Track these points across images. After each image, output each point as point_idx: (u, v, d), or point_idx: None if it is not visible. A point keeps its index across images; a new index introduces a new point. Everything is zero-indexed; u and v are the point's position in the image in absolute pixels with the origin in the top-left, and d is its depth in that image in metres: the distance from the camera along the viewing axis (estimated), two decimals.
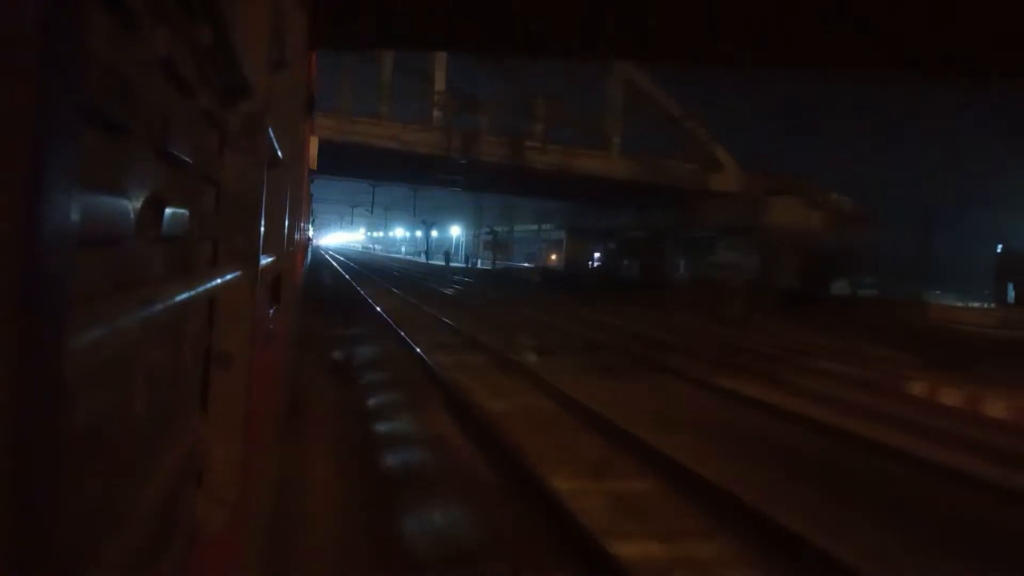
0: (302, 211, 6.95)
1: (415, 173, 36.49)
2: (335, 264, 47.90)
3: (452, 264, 59.81)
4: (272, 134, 1.76)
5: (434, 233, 78.10)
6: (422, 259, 72.45)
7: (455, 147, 29.10)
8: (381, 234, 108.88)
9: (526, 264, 58.94)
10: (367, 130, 27.99)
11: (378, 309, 17.23)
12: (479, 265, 59.89)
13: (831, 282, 29.23)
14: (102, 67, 0.70)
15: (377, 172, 40.27)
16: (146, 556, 0.93)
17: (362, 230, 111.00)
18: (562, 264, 47.48)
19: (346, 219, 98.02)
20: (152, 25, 0.88)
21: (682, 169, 31.69)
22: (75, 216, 0.53)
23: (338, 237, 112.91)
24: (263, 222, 1.64)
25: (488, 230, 61.25)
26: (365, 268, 45.82)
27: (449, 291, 29.35)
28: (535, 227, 60.54)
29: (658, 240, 36.36)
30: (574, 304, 24.52)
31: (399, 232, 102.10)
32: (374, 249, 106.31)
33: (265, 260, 1.83)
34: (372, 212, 70.82)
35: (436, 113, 29.64)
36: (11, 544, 0.46)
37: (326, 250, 79.48)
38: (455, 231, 77.61)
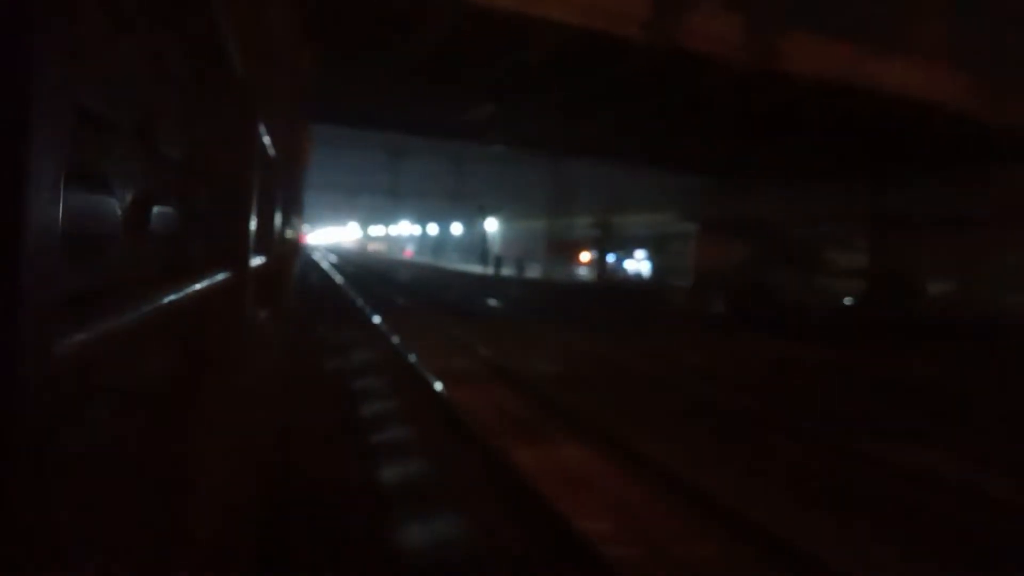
0: (295, 209, 6.93)
1: (513, 83, 13.83)
2: (343, 284, 24.69)
3: (503, 273, 36.88)
4: (264, 130, 1.75)
5: (456, 230, 57.00)
6: (448, 264, 48.40)
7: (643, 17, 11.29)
8: (384, 231, 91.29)
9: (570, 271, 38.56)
10: None
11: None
12: (524, 273, 37.21)
13: None
14: (92, 63, 0.68)
15: (418, 94, 15.13)
16: (135, 557, 0.91)
17: (352, 223, 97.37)
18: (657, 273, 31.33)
19: (343, 211, 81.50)
20: (142, 20, 0.87)
21: None
22: (62, 214, 0.52)
23: (328, 236, 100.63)
24: (254, 221, 1.62)
25: (596, 222, 35.53)
26: (386, 283, 27.58)
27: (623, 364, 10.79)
28: (586, 218, 36.42)
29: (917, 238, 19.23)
30: None
31: (405, 228, 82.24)
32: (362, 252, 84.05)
33: (256, 260, 1.81)
34: (397, 182, 40.50)
35: None
36: None
37: (314, 249, 59.73)
38: (492, 225, 50.41)
